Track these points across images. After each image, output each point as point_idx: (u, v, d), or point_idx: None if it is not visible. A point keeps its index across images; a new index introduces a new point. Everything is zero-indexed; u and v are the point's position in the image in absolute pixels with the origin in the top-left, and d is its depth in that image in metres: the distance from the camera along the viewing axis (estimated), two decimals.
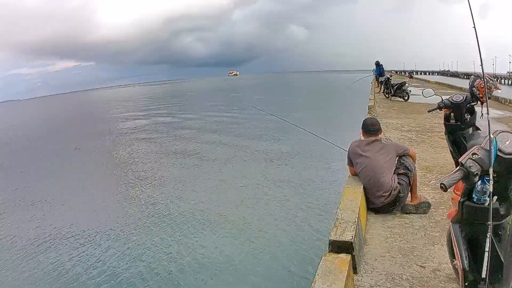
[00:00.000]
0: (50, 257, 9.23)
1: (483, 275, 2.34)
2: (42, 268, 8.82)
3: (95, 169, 19.28)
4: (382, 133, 5.64)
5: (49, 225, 11.46)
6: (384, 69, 26.61)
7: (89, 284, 7.95)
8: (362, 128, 5.57)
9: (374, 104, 17.86)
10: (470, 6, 2.66)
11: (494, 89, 5.63)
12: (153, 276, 7.97)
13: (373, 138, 5.42)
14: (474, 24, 2.65)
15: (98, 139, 29.58)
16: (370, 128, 5.46)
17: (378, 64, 26.08)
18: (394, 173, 5.25)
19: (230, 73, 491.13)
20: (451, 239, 2.74)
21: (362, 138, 5.56)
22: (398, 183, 5.14)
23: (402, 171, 5.28)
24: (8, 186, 17.34)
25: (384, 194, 5.07)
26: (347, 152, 5.62)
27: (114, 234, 10.33)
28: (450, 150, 6.46)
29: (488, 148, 2.38)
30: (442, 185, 2.36)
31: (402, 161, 5.40)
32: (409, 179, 5.23)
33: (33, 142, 31.99)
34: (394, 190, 5.07)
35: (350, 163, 5.56)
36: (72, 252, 9.30)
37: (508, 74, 71.17)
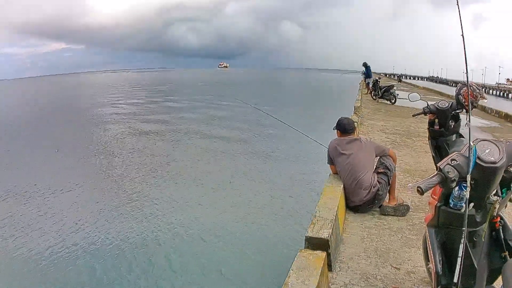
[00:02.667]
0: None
1: (455, 280, 2.36)
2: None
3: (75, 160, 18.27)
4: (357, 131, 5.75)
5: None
6: (371, 70, 26.63)
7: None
8: (338, 128, 5.66)
9: (360, 105, 17.95)
10: (459, 14, 2.68)
11: (480, 98, 5.68)
12: (124, 275, 7.74)
13: (353, 137, 5.56)
14: (462, 32, 2.67)
15: (80, 126, 28.20)
16: (348, 127, 5.58)
17: (365, 66, 26.04)
18: (374, 171, 5.36)
19: (220, 64, 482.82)
20: (427, 243, 2.77)
21: (337, 137, 5.66)
22: (378, 181, 5.23)
23: (381, 170, 5.41)
24: None
25: (364, 192, 5.15)
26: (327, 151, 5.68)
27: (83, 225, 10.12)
28: (432, 156, 6.52)
29: (468, 155, 2.40)
30: (419, 189, 2.38)
31: (382, 160, 5.53)
32: (388, 178, 5.34)
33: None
34: (374, 187, 5.16)
35: (331, 161, 5.63)
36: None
37: (497, 85, 71.95)
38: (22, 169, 16.06)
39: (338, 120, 5.71)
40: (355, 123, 5.87)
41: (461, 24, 2.68)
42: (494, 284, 2.66)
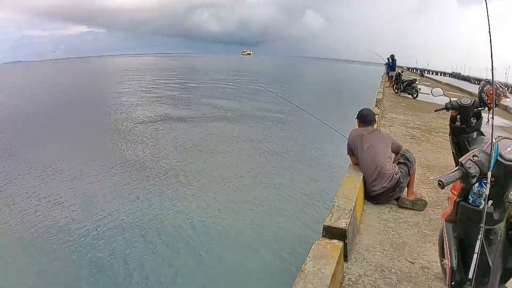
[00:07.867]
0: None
1: (470, 276, 2.38)
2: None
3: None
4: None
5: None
6: (397, 64, 26.35)
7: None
8: (358, 118, 5.75)
9: (382, 97, 17.82)
10: (487, 11, 2.67)
11: (503, 97, 5.63)
12: (141, 272, 7.56)
13: (372, 128, 5.65)
14: (489, 29, 2.65)
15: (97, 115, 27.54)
16: (368, 119, 5.67)
17: (392, 58, 25.70)
18: (394, 162, 5.49)
19: (243, 52, 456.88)
20: (443, 238, 2.79)
21: (357, 128, 5.74)
22: (399, 170, 5.32)
23: (402, 161, 5.52)
24: None
25: (386, 178, 5.20)
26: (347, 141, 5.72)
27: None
28: (453, 152, 6.48)
29: (489, 152, 2.41)
30: (440, 182, 2.41)
31: (403, 153, 5.65)
32: (408, 169, 5.42)
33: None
34: (396, 174, 5.22)
35: (351, 152, 5.66)
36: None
37: None
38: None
39: (360, 111, 5.78)
40: (375, 116, 5.91)
41: (489, 22, 2.67)
42: (507, 284, 2.67)
